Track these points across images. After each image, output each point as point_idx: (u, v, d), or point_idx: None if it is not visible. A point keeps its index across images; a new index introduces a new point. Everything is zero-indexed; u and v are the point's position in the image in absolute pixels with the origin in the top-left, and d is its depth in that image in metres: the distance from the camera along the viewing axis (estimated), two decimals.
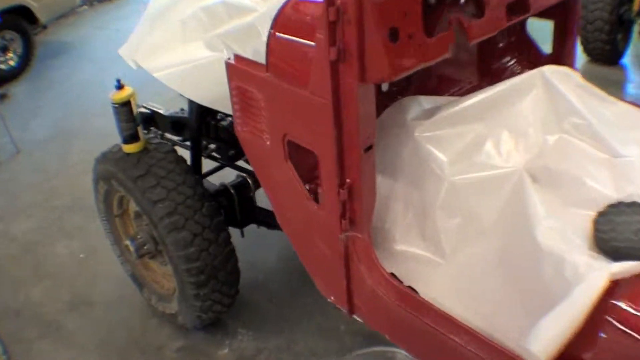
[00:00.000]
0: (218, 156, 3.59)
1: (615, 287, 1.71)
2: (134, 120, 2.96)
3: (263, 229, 3.42)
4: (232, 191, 3.24)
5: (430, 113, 2.52)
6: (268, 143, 2.39)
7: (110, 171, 3.08)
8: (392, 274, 2.23)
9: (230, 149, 3.41)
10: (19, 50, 7.87)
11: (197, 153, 3.39)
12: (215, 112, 3.23)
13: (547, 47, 3.08)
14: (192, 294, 3.01)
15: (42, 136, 6.20)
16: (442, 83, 3.07)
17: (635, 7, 5.86)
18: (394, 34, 1.84)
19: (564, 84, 2.54)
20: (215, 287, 3.03)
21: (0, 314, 3.80)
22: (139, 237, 3.21)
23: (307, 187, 2.37)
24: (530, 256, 2.04)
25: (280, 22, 2.22)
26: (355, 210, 2.14)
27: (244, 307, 3.51)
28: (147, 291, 3.55)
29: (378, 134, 2.15)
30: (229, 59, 2.45)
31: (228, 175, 3.50)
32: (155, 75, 2.88)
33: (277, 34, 2.21)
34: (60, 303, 3.83)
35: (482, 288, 2.21)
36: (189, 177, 3.00)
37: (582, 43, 5.99)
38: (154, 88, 2.83)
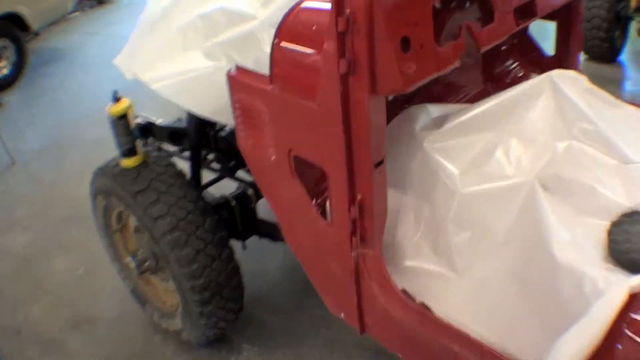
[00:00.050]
0: (218, 167, 3.52)
1: (632, 300, 1.67)
2: (131, 133, 2.88)
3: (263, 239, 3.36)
4: (234, 203, 3.17)
5: (438, 122, 2.47)
6: (273, 158, 2.31)
7: (109, 186, 3.01)
8: (404, 290, 2.17)
9: (231, 160, 3.34)
10: (12, 58, 7.77)
11: (197, 165, 3.32)
12: (215, 122, 3.16)
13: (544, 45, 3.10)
14: (197, 311, 2.94)
15: (37, 146, 6.13)
16: (447, 89, 3.02)
17: (632, 4, 5.86)
18: (405, 44, 1.77)
19: (572, 89, 2.53)
20: (219, 304, 2.96)
21: (0, 333, 3.72)
22: (139, 253, 3.15)
23: (314, 202, 2.31)
24: (546, 270, 2.00)
25: (284, 31, 2.12)
26: (366, 227, 2.07)
27: (248, 321, 3.45)
28: (150, 307, 3.48)
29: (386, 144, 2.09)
30: (231, 70, 2.37)
31: (227, 186, 3.43)
32: (153, 87, 2.80)
33: (281, 43, 2.12)
34: (61, 321, 3.76)
35: (497, 303, 2.16)
36: (190, 190, 2.93)
37: None
38: (149, 92, 2.76)
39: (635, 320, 1.64)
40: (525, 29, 3.04)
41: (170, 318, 3.31)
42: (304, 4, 2.13)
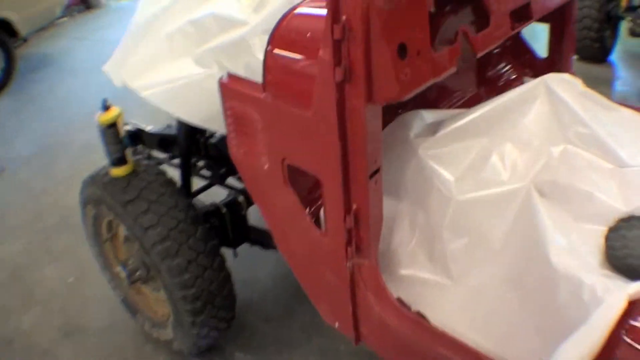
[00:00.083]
0: (208, 174, 3.48)
1: (631, 307, 1.65)
2: (121, 142, 2.84)
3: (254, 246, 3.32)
4: (224, 210, 3.13)
5: (433, 128, 2.45)
6: (266, 166, 2.26)
7: (99, 195, 2.96)
8: (399, 299, 2.15)
9: (221, 167, 3.30)
10: (1, 64, 7.75)
11: (187, 172, 3.29)
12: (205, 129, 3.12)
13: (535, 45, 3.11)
14: (188, 320, 2.89)
15: (26, 152, 6.10)
16: (441, 93, 3.00)
17: (623, 4, 5.89)
18: (402, 50, 1.74)
19: (567, 92, 2.54)
20: (211, 313, 2.92)
21: None
22: (130, 262, 3.10)
23: (307, 211, 2.28)
24: (543, 277, 1.98)
25: (278, 37, 2.06)
26: (362, 236, 2.03)
27: (240, 329, 3.41)
28: (141, 317, 3.43)
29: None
30: (222, 77, 2.32)
31: (217, 192, 3.40)
32: (143, 94, 2.75)
33: (274, 50, 2.06)
34: (52, 331, 3.72)
35: (493, 311, 2.13)
36: (181, 199, 2.88)
37: None
38: (138, 98, 2.73)
39: (635, 327, 1.62)
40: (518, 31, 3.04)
41: (161, 328, 3.27)
42: (297, 10, 2.07)
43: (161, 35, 2.81)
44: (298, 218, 2.26)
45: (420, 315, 2.12)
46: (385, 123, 2.52)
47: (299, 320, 3.46)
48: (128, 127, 3.51)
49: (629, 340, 1.60)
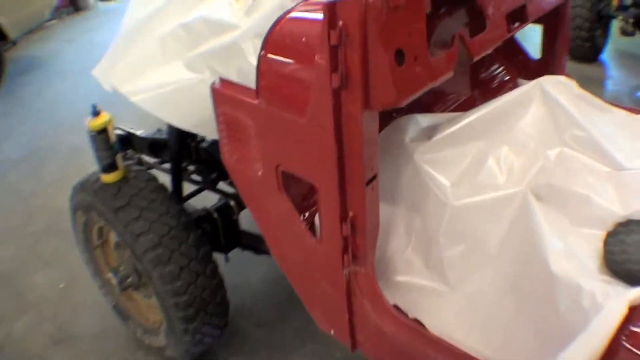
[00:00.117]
0: (199, 179, 3.45)
1: (631, 313, 1.64)
2: (111, 148, 2.79)
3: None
4: (216, 215, 3.09)
5: (428, 132, 2.43)
6: (259, 173, 2.22)
7: (89, 201, 2.93)
8: (396, 306, 2.13)
9: (212, 172, 3.27)
10: None
11: (178, 177, 3.26)
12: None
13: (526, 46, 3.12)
14: (181, 327, 2.86)
15: (16, 155, 6.05)
16: (435, 97, 2.98)
17: (614, 3, 5.91)
18: (399, 56, 1.71)
19: (563, 95, 2.53)
20: (204, 320, 2.88)
21: None
22: (121, 269, 3.06)
23: (302, 218, 2.25)
24: (541, 282, 1.96)
25: (272, 42, 2.01)
26: (358, 244, 2.01)
27: (233, 334, 3.38)
28: (132, 323, 3.39)
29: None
30: (214, 83, 2.28)
31: (208, 197, 3.36)
32: (133, 99, 2.71)
33: (268, 55, 2.01)
34: (44, 337, 3.68)
35: (491, 317, 2.12)
36: (172, 205, 2.85)
37: None
38: (127, 102, 2.69)
39: (635, 333, 1.61)
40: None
41: (153, 334, 3.24)
42: (291, 14, 2.02)
43: (151, 39, 2.77)
44: (293, 225, 2.23)
45: (417, 322, 2.10)
46: (379, 127, 2.50)
47: (292, 326, 3.43)
48: (118, 132, 3.47)
49: (629, 346, 1.59)
